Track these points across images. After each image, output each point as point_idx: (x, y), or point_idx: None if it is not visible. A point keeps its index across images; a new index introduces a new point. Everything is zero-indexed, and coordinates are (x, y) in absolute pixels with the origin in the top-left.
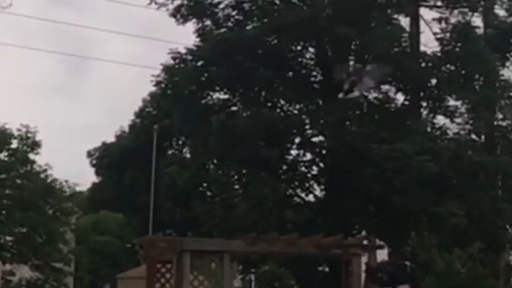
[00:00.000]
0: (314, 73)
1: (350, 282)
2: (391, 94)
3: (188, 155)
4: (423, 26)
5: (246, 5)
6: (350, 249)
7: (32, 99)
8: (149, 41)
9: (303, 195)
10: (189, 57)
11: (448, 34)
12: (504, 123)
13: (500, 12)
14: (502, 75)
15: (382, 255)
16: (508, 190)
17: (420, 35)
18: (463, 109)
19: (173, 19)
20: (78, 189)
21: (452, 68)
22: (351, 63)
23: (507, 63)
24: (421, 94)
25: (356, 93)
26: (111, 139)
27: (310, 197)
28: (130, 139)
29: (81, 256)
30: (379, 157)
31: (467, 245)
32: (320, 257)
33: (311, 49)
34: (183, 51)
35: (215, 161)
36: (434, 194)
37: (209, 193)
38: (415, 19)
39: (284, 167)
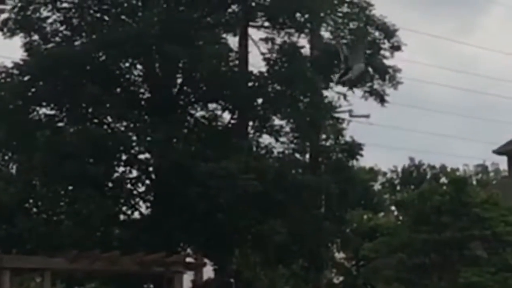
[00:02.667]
0: (142, 90)
1: None
2: (218, 113)
3: (14, 171)
4: (251, 46)
5: (75, 21)
6: (172, 267)
7: None
8: None
9: (129, 212)
10: (16, 72)
11: (274, 54)
12: (327, 143)
13: (326, 34)
14: (326, 96)
15: (209, 272)
16: (331, 208)
17: (248, 54)
18: (288, 129)
19: None
20: None
21: (278, 88)
22: (179, 81)
23: (331, 84)
24: (248, 113)
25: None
26: None
27: (137, 215)
28: None
29: None
30: (205, 175)
31: (290, 262)
32: (144, 275)
33: (139, 66)
34: (10, 65)
35: (41, 177)
36: (258, 212)
37: (35, 210)
38: (244, 39)
39: (111, 184)
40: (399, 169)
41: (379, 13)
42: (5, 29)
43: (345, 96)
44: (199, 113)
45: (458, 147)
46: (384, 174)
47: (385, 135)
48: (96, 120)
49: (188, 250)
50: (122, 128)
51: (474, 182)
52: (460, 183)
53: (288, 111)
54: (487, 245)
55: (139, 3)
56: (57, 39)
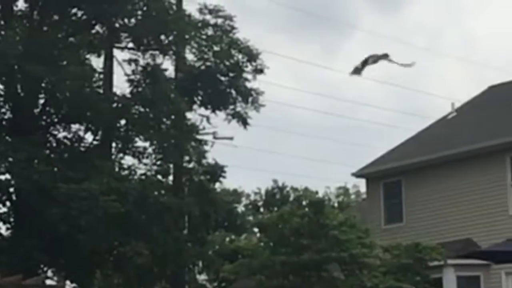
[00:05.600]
0: (3, 110)
1: None
2: (81, 134)
3: None
4: (117, 67)
5: None
6: None
7: None
8: None
9: None
10: None
11: (138, 76)
12: (190, 165)
13: (190, 56)
14: (190, 118)
15: None
16: (193, 230)
17: (112, 75)
18: (151, 150)
19: None
20: None
21: (142, 109)
22: (41, 101)
23: (195, 107)
24: (111, 134)
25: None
26: None
27: None
28: None
29: None
30: (66, 197)
31: (152, 284)
32: None
33: (0, 86)
34: None
35: None
36: (120, 234)
37: None
38: (109, 60)
39: None
40: (263, 191)
41: (243, 36)
42: None
43: (208, 118)
44: (62, 134)
45: (321, 170)
46: (248, 196)
47: (249, 157)
48: None
49: (49, 272)
50: None
51: (336, 205)
52: (319, 206)
53: (152, 133)
54: (344, 266)
55: (1, 22)
56: None
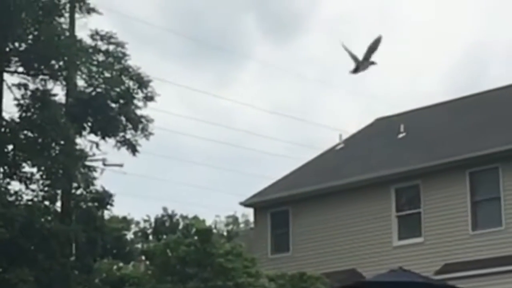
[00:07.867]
0: None
1: None
2: None
3: None
4: (6, 91)
5: None
6: None
7: None
8: None
9: None
10: None
11: (27, 101)
12: (78, 192)
13: (80, 82)
14: (79, 144)
15: None
16: (80, 257)
17: (2, 100)
18: (38, 176)
19: None
20: None
21: (30, 134)
22: None
23: (84, 133)
24: None
25: None
26: None
27: None
28: None
29: None
30: None
31: None
32: None
33: None
34: None
35: None
36: (4, 260)
37: None
38: None
39: None
40: (152, 219)
41: (135, 63)
42: None
43: (97, 144)
44: None
45: (212, 198)
46: (137, 223)
47: (140, 185)
48: None
49: None
50: None
51: (225, 233)
52: (206, 234)
53: (40, 158)
54: None
55: None
56: None
